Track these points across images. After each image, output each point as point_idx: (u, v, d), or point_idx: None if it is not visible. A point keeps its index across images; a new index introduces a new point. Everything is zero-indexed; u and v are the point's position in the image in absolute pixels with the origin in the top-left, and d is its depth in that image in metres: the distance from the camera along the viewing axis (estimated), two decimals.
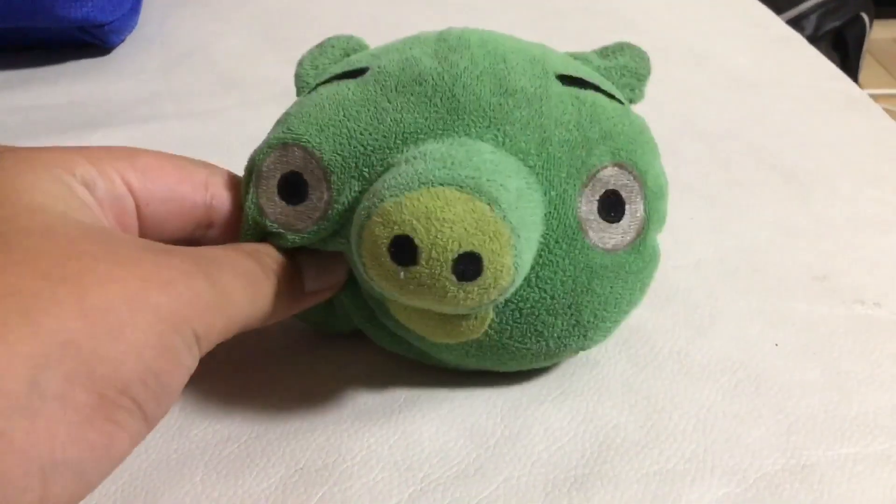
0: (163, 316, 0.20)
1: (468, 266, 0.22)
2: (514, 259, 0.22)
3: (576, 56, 0.29)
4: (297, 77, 0.29)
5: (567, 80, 0.27)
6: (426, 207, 0.22)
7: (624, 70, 0.29)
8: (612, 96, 0.27)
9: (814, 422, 0.27)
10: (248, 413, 0.28)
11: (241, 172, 0.28)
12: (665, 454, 0.26)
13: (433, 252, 0.21)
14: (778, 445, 0.26)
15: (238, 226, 0.27)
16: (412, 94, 0.25)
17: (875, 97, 0.51)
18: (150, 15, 0.60)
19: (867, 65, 1.48)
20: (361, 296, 0.28)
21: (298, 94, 0.29)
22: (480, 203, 0.22)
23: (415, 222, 0.21)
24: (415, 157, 0.24)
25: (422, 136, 0.25)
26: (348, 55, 0.29)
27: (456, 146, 0.24)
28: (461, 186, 0.22)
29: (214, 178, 0.27)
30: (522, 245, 0.23)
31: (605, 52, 0.30)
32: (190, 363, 0.21)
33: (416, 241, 0.21)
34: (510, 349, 0.26)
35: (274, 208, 0.26)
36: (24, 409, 0.18)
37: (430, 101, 0.25)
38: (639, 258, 0.26)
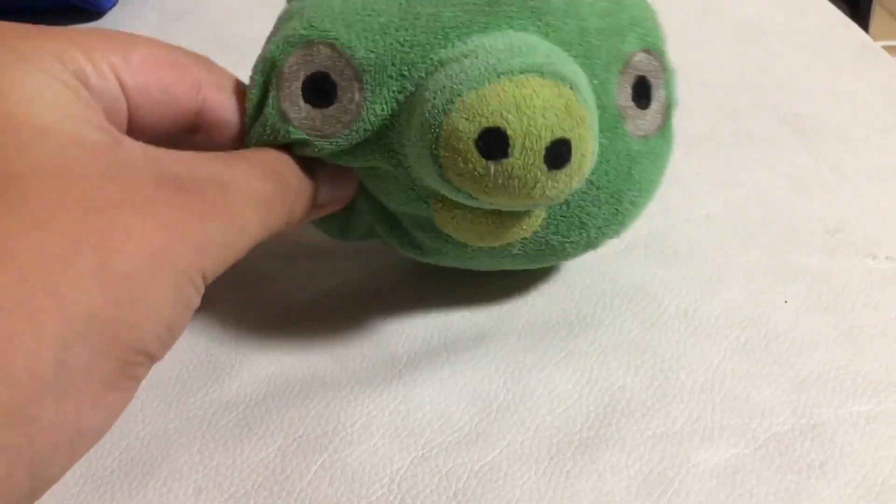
0: (180, 269, 0.20)
1: (559, 154, 0.21)
2: (595, 144, 0.22)
3: None
4: None
5: None
6: (514, 96, 0.21)
7: None
8: None
9: (825, 379, 0.27)
10: (246, 381, 0.27)
11: None
12: (672, 415, 0.26)
13: (526, 141, 0.21)
14: (788, 404, 0.26)
15: (227, 131, 0.25)
16: None
17: (886, 49, 0.49)
18: None
19: (877, 16, 1.45)
20: (380, 207, 0.27)
21: None
22: (565, 88, 0.21)
23: (504, 112, 0.20)
24: (474, 51, 0.22)
25: (464, 30, 0.23)
26: None
27: (510, 37, 0.23)
28: (542, 73, 0.21)
29: (208, 79, 0.25)
30: (596, 130, 0.22)
31: None
32: (197, 302, 0.21)
33: (509, 131, 0.20)
34: (553, 244, 0.26)
35: (299, 113, 0.24)
36: (52, 391, 0.17)
37: None
38: (665, 142, 0.27)
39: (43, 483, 0.18)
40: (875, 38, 0.51)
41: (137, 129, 0.24)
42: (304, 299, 0.30)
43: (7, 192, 0.18)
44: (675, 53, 0.47)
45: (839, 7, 0.54)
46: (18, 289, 0.17)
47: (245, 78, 0.26)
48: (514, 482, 0.24)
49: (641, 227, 0.31)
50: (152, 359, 0.20)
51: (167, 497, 0.24)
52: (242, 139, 0.25)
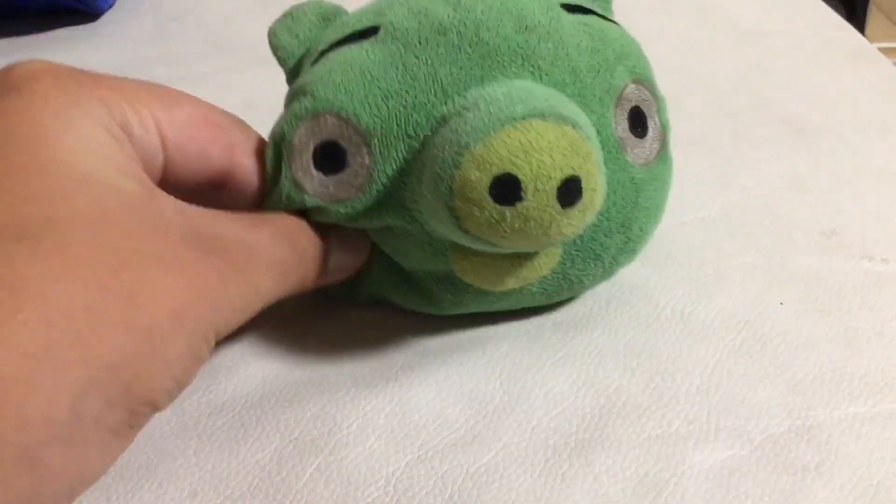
0: (198, 327, 0.21)
1: (570, 191, 0.22)
2: (603, 178, 0.23)
3: None
4: (277, 49, 0.28)
5: (569, 7, 0.27)
6: (520, 142, 0.21)
7: None
8: (605, 17, 0.28)
9: (821, 381, 0.27)
10: (241, 383, 0.27)
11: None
12: (668, 417, 0.26)
13: (538, 184, 0.21)
14: (784, 405, 0.26)
15: (249, 191, 0.26)
16: (438, 46, 0.25)
17: (882, 51, 0.50)
18: None
19: (873, 18, 1.46)
20: (396, 271, 0.28)
21: (285, 66, 0.28)
22: (567, 127, 0.22)
23: (513, 158, 0.21)
24: (475, 103, 0.23)
25: (462, 85, 0.24)
26: (327, 19, 0.28)
27: (508, 86, 0.24)
28: (544, 116, 0.22)
29: (242, 143, 0.26)
30: (602, 165, 0.23)
31: None
32: (207, 359, 0.22)
33: (520, 176, 0.21)
34: (571, 279, 0.27)
35: (311, 181, 0.25)
36: (63, 437, 0.18)
37: (460, 49, 0.25)
38: (665, 166, 0.28)
39: None
40: (871, 40, 0.51)
41: (169, 180, 0.24)
42: (300, 301, 0.30)
43: (48, 237, 0.19)
44: (673, 55, 0.47)
45: (835, 9, 0.55)
46: (46, 335, 0.17)
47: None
48: (509, 484, 0.24)
49: None
50: (156, 409, 0.20)
51: (163, 499, 0.24)
52: (262, 200, 0.26)
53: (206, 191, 0.26)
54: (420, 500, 0.24)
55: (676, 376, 0.27)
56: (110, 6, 0.56)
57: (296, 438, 0.25)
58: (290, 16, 0.28)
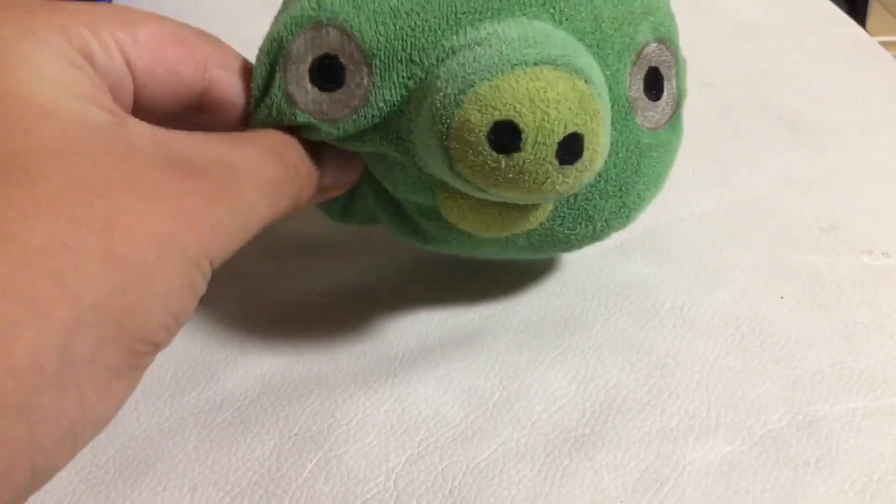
0: (187, 255, 0.19)
1: (571, 148, 0.21)
2: (607, 139, 0.22)
3: None
4: None
5: None
6: (527, 89, 0.20)
7: None
8: None
9: (821, 376, 0.27)
10: (241, 379, 0.27)
11: None
12: (667, 412, 0.26)
13: (539, 136, 0.20)
14: (784, 400, 0.26)
15: (232, 111, 0.25)
16: None
17: (884, 45, 0.49)
18: None
19: (875, 11, 1.45)
20: (385, 194, 0.27)
21: None
22: (580, 81, 0.21)
23: (518, 105, 0.20)
24: (487, 39, 0.22)
25: (477, 16, 0.23)
26: None
27: (524, 26, 0.22)
28: (556, 65, 0.21)
29: (216, 58, 0.24)
30: (609, 125, 0.22)
31: None
32: (203, 288, 0.21)
33: (521, 125, 0.20)
34: (559, 236, 0.26)
35: (305, 96, 0.24)
36: (55, 380, 0.17)
37: None
38: (674, 135, 0.26)
39: (44, 474, 0.18)
40: (872, 34, 0.51)
41: (142, 107, 0.23)
42: (299, 298, 0.30)
43: (10, 173, 0.18)
44: None
45: (836, 2, 0.54)
46: (21, 275, 0.17)
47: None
48: (509, 480, 0.24)
49: (636, 225, 0.31)
50: (157, 347, 0.20)
51: (162, 495, 0.24)
52: (247, 120, 0.25)
53: (185, 115, 0.24)
54: (420, 496, 0.24)
55: (676, 372, 0.27)
56: (108, 2, 0.56)
57: (295, 434, 0.25)
58: None
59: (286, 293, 0.30)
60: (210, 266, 0.20)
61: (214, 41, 0.25)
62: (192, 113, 0.24)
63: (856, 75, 0.45)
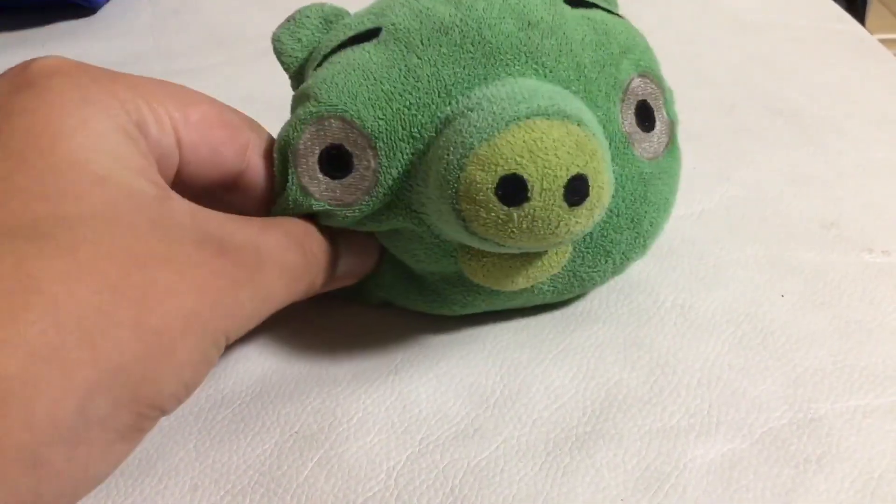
0: (208, 331, 0.20)
1: (577, 190, 0.21)
2: (610, 174, 0.22)
3: None
4: (280, 54, 0.28)
5: (572, 2, 0.26)
6: (524, 141, 0.21)
7: None
8: (609, 11, 0.27)
9: (822, 373, 0.27)
10: (241, 377, 0.27)
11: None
12: (668, 410, 0.25)
13: (544, 183, 0.21)
14: (785, 398, 0.26)
15: (260, 194, 0.26)
16: (441, 46, 0.24)
17: (883, 42, 0.49)
18: None
19: (873, 9, 1.45)
20: (407, 275, 0.28)
21: (289, 71, 0.28)
22: (573, 125, 0.21)
23: (519, 158, 0.21)
24: (479, 103, 0.23)
25: (466, 85, 0.24)
26: (330, 22, 0.28)
27: (511, 85, 0.23)
28: (548, 115, 0.21)
29: (254, 143, 0.26)
30: (609, 162, 0.23)
31: None
32: (215, 362, 0.22)
33: (525, 176, 0.21)
34: (581, 275, 0.27)
35: (318, 186, 0.25)
36: (68, 438, 0.18)
37: (462, 48, 0.24)
38: (674, 160, 0.27)
39: None
40: (872, 32, 0.51)
41: (182, 181, 0.24)
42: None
43: (59, 235, 0.19)
44: (672, 47, 0.47)
45: (836, 1, 0.54)
46: (54, 335, 0.17)
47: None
48: (510, 478, 0.24)
49: None
50: (163, 413, 0.20)
51: (163, 494, 0.24)
52: (271, 202, 0.26)
53: (218, 192, 0.25)
54: (421, 494, 0.24)
55: (677, 369, 0.27)
56: (108, 0, 0.55)
57: (296, 432, 0.25)
58: (292, 20, 0.28)
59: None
60: (225, 341, 0.22)
61: (256, 126, 0.26)
62: (224, 191, 0.26)
63: (856, 72, 0.45)
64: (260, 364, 0.28)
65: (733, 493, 0.23)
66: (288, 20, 0.28)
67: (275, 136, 0.26)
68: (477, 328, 0.29)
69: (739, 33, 0.49)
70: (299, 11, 0.28)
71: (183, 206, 0.22)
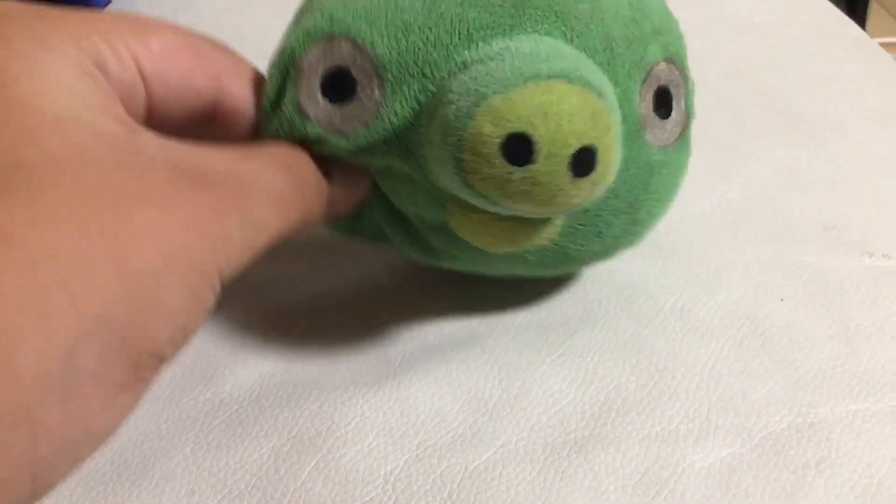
0: (196, 268, 0.19)
1: (584, 161, 0.21)
2: (619, 153, 0.22)
3: None
4: None
5: None
6: (541, 102, 0.20)
7: None
8: None
9: (821, 377, 0.26)
10: (239, 381, 0.27)
11: None
12: (667, 414, 0.25)
13: (552, 148, 0.20)
14: (784, 402, 0.26)
15: (243, 122, 0.25)
16: None
17: (884, 45, 0.49)
18: None
19: (875, 13, 1.45)
20: (393, 209, 0.27)
21: None
22: (592, 96, 0.21)
23: (531, 118, 0.20)
24: (500, 54, 0.22)
25: (489, 32, 0.23)
26: None
27: (536, 42, 0.23)
28: (570, 79, 0.21)
29: (228, 68, 0.24)
30: (620, 139, 0.22)
31: None
32: (212, 303, 0.20)
33: (535, 137, 0.20)
34: (569, 252, 0.26)
35: (316, 109, 0.24)
36: (59, 391, 0.17)
37: None
38: (683, 154, 0.27)
39: (44, 487, 0.17)
40: (872, 36, 0.51)
41: (154, 117, 0.23)
42: (298, 300, 0.30)
43: (20, 183, 0.18)
44: None
45: (836, 4, 0.54)
46: (29, 284, 0.16)
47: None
48: (508, 482, 0.24)
49: None
50: (163, 360, 0.19)
51: (160, 499, 0.24)
52: (258, 131, 0.25)
53: (196, 126, 0.24)
54: (418, 499, 0.23)
55: (676, 373, 0.27)
56: (109, 1, 0.55)
57: (294, 437, 0.25)
58: None
59: (284, 296, 0.30)
60: (219, 279, 0.20)
61: (227, 52, 0.25)
62: (203, 124, 0.24)
63: (856, 74, 0.44)
64: (257, 368, 0.27)
65: (732, 497, 0.23)
66: None
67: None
68: (475, 332, 0.28)
69: (741, 35, 0.49)
70: None
71: (153, 140, 0.21)
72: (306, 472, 0.24)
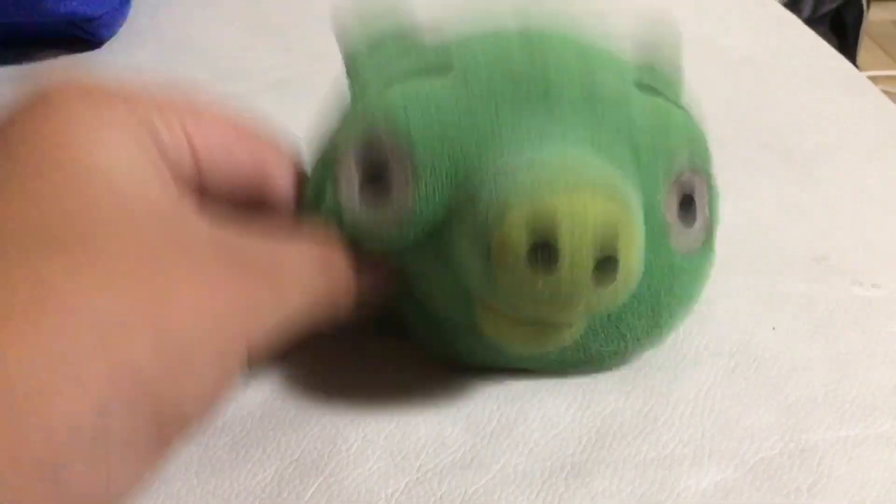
0: (228, 340, 0.20)
1: (606, 270, 0.21)
2: (641, 261, 0.22)
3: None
4: (351, 73, 0.27)
5: (641, 86, 0.27)
6: (566, 210, 0.21)
7: (668, 81, 0.29)
8: (676, 104, 0.28)
9: (813, 403, 0.27)
10: (241, 403, 0.27)
11: None
12: (663, 439, 0.26)
13: (575, 257, 0.21)
14: (777, 428, 0.26)
15: (284, 209, 0.26)
16: (504, 99, 0.25)
17: (873, 79, 0.50)
18: (142, 7, 0.59)
19: (865, 47, 1.47)
20: (423, 310, 0.27)
21: (355, 87, 0.27)
22: (616, 206, 0.21)
23: (556, 227, 0.21)
24: (528, 163, 0.23)
25: (520, 142, 0.24)
26: (404, 38, 0.27)
27: (564, 151, 0.24)
28: (595, 188, 0.21)
29: (272, 155, 0.26)
30: (643, 247, 0.23)
31: (646, 62, 0.29)
32: (238, 377, 0.21)
33: (559, 245, 0.21)
34: (590, 353, 0.27)
35: (353, 208, 0.25)
36: (87, 451, 0.17)
37: (527, 102, 0.24)
38: (706, 260, 0.27)
39: None
40: (862, 69, 0.52)
41: (202, 190, 0.24)
42: None
43: (74, 244, 0.19)
44: None
45: (827, 37, 0.56)
46: (69, 342, 0.17)
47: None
48: None
49: None
50: (187, 426, 0.20)
51: None
52: (295, 220, 0.26)
53: (241, 207, 0.25)
54: None
55: (671, 399, 0.27)
56: (114, 34, 0.56)
57: (296, 460, 0.26)
58: (372, 40, 0.27)
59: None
60: (248, 354, 0.21)
61: (271, 137, 0.26)
62: (247, 206, 0.25)
63: (845, 107, 0.45)
64: (260, 391, 0.28)
65: None
66: (364, 36, 0.27)
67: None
68: None
69: (730, 70, 0.50)
70: (375, 28, 0.27)
71: (199, 216, 0.22)
72: (309, 494, 0.25)
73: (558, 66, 0.25)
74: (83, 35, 0.54)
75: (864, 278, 0.32)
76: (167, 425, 0.19)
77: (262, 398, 0.28)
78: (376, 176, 0.25)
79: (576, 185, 0.21)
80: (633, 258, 0.22)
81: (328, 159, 0.25)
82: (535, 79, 0.25)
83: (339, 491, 0.25)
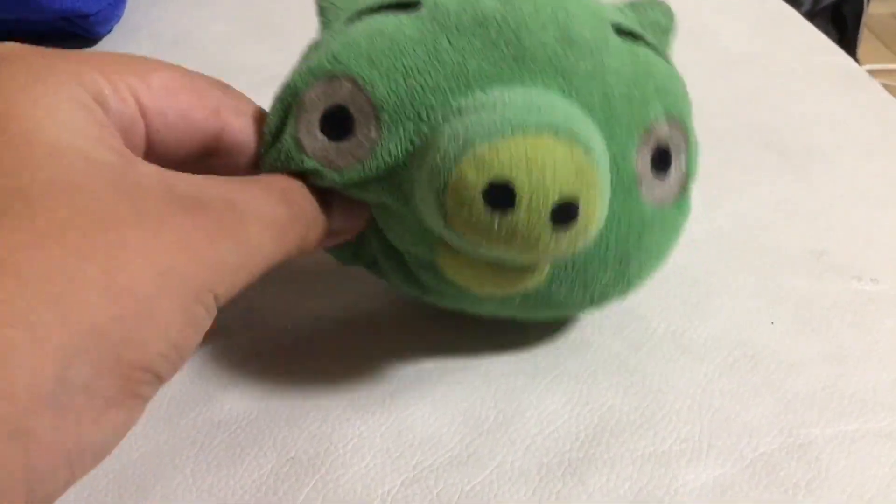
0: (189, 287, 0.20)
1: (565, 214, 0.21)
2: (603, 208, 0.22)
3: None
4: (324, 4, 0.27)
5: (621, 31, 0.26)
6: (525, 153, 0.21)
7: (655, 26, 0.28)
8: (657, 51, 0.27)
9: (812, 399, 0.27)
10: (237, 401, 0.27)
11: None
12: (660, 435, 0.26)
13: (533, 199, 0.21)
14: (775, 423, 0.26)
15: (244, 156, 0.26)
16: (475, 37, 0.24)
17: (873, 73, 0.50)
18: (137, 4, 0.59)
19: (865, 40, 1.47)
20: (388, 243, 0.27)
21: (325, 24, 0.27)
22: (578, 150, 0.21)
23: (514, 168, 0.21)
24: (493, 103, 0.23)
25: (487, 81, 0.24)
26: None
27: (531, 94, 0.23)
28: (557, 132, 0.21)
29: (227, 104, 0.25)
30: (607, 194, 0.22)
31: (635, 6, 0.29)
32: (208, 324, 0.21)
33: (516, 187, 0.21)
34: (554, 300, 0.26)
35: (314, 143, 0.24)
36: (51, 405, 0.17)
37: (495, 45, 0.24)
38: (680, 213, 0.27)
39: (40, 500, 0.18)
40: (862, 62, 0.52)
41: (155, 151, 0.24)
42: (296, 321, 0.30)
43: (16, 207, 0.18)
44: None
45: (827, 31, 0.55)
46: (21, 302, 0.17)
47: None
48: (504, 503, 0.24)
49: None
50: (159, 378, 0.20)
51: None
52: (257, 166, 0.26)
53: (197, 161, 0.25)
54: None
55: (669, 395, 0.27)
56: (109, 31, 0.56)
57: (292, 458, 0.25)
58: None
59: (283, 317, 0.30)
60: (215, 301, 0.21)
61: (226, 88, 0.26)
62: (204, 159, 0.25)
63: (843, 102, 0.45)
64: (256, 389, 0.28)
65: None
66: None
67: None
68: (472, 355, 0.29)
69: (728, 65, 0.49)
70: None
71: (149, 170, 0.21)
72: (305, 493, 0.24)
73: (532, 8, 0.25)
74: (78, 32, 0.54)
75: (864, 273, 0.32)
76: (135, 376, 0.19)
77: (258, 396, 0.28)
78: (338, 113, 0.24)
79: (537, 128, 0.21)
80: (593, 204, 0.22)
81: (289, 96, 0.25)
82: (507, 20, 0.24)
83: (335, 488, 0.24)
